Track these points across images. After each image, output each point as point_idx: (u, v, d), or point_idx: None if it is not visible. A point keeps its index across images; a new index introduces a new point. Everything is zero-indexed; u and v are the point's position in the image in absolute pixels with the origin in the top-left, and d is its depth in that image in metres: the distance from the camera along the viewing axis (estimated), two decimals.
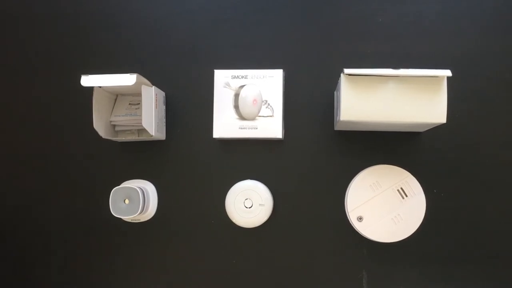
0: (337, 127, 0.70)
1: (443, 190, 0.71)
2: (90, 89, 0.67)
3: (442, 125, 0.60)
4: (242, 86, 0.70)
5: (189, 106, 0.74)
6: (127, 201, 0.69)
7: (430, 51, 0.72)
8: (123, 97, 0.74)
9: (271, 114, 0.70)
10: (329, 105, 0.72)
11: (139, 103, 0.73)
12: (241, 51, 0.74)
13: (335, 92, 0.71)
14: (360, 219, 0.67)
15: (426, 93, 0.58)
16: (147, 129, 0.67)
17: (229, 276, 0.73)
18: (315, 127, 0.73)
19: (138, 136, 0.73)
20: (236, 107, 0.70)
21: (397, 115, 0.58)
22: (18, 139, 0.77)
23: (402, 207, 0.66)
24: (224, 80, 0.71)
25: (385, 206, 0.66)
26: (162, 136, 0.73)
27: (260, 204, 0.70)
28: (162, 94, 0.73)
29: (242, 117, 0.70)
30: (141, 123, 0.67)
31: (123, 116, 0.72)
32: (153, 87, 0.69)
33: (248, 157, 0.73)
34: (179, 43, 0.75)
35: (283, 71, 0.71)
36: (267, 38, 0.74)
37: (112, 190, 0.69)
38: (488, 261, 0.70)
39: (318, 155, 0.72)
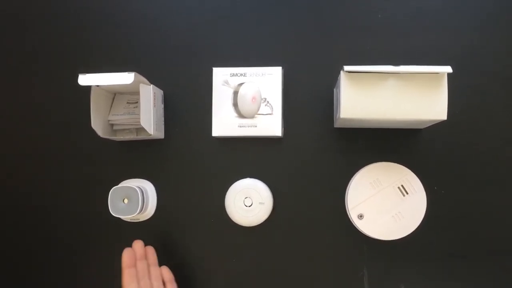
0: (337, 125, 0.70)
1: (443, 187, 0.70)
2: (88, 88, 0.67)
3: (443, 122, 0.59)
4: (241, 84, 0.70)
5: (188, 104, 0.74)
6: (126, 201, 0.69)
7: (430, 48, 0.71)
8: (121, 96, 0.73)
9: (270, 112, 0.69)
10: (329, 102, 0.72)
11: (137, 102, 0.72)
12: (239, 49, 0.74)
13: (334, 89, 0.71)
14: (360, 217, 0.66)
15: (427, 89, 0.58)
16: (145, 128, 0.66)
17: (229, 275, 0.73)
18: (314, 124, 0.72)
19: (137, 135, 0.73)
20: (235, 105, 0.69)
21: (397, 112, 0.58)
22: (16, 138, 0.76)
23: (402, 205, 0.66)
24: (223, 78, 0.70)
25: (385, 204, 0.66)
26: (160, 135, 0.73)
27: (260, 203, 0.70)
28: (160, 92, 0.73)
29: (241, 115, 0.69)
30: (139, 122, 0.66)
31: (121, 115, 0.72)
32: (151, 85, 0.69)
33: (247, 156, 0.73)
34: (177, 41, 0.75)
35: (282, 68, 0.71)
36: (266, 36, 0.74)
37: (111, 190, 0.69)
38: (489, 258, 0.70)
39: (318, 152, 0.72)
